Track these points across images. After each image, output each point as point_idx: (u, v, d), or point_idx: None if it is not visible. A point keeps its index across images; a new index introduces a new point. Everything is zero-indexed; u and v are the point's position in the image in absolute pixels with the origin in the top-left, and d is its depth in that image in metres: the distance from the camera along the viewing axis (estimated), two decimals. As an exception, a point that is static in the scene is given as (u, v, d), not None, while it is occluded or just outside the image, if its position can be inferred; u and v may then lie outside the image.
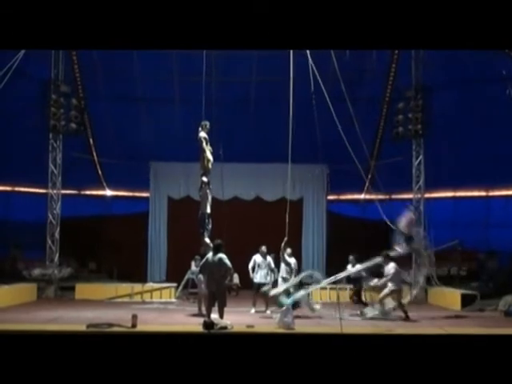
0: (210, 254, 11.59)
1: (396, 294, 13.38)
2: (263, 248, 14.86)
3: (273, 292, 13.20)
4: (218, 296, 11.50)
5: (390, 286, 13.30)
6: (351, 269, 14.97)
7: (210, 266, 11.51)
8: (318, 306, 13.20)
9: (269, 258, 14.81)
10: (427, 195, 19.68)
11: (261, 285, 14.47)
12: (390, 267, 13.48)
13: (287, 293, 12.50)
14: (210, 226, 13.74)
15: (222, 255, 11.52)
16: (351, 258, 15.73)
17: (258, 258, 14.71)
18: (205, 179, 13.76)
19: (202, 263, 11.76)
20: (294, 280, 13.17)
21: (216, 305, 11.48)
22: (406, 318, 12.90)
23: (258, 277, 14.59)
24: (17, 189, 23.29)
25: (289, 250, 13.93)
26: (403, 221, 14.24)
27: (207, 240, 13.51)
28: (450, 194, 23.47)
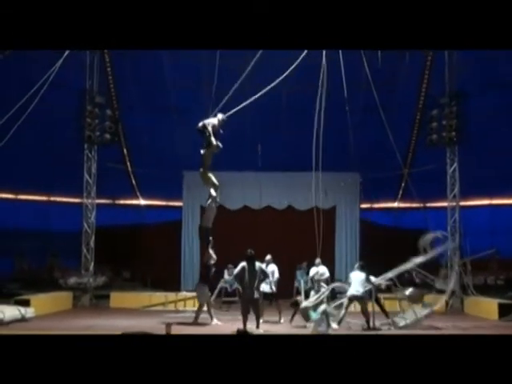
0: (244, 264, 11.63)
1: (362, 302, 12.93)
2: (268, 257, 14.59)
3: (303, 304, 13.02)
4: (254, 305, 11.62)
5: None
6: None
7: (249, 274, 11.56)
8: (335, 326, 12.06)
9: (272, 267, 14.46)
10: (463, 203, 19.37)
11: (265, 294, 13.97)
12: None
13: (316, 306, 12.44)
14: (211, 238, 13.93)
15: (260, 264, 11.88)
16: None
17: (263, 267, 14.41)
18: (213, 193, 13.71)
19: (237, 272, 11.74)
20: (323, 293, 13.08)
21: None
22: (368, 327, 12.54)
23: (263, 286, 13.94)
24: (53, 199, 23.69)
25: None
26: None
27: (211, 251, 13.82)
28: (486, 201, 23.09)
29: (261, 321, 12.26)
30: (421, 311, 13.14)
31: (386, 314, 14.03)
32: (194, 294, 18.61)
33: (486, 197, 22.82)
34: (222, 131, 13.65)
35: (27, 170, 20.39)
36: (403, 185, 22.14)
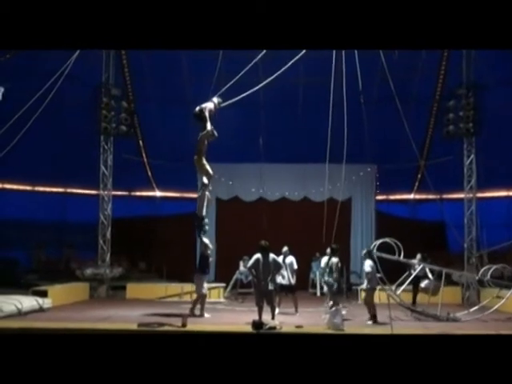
0: (259, 255, 11.59)
1: (371, 293, 12.66)
2: (284, 248, 14.45)
3: None
4: (268, 296, 11.63)
5: (365, 285, 12.70)
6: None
7: (263, 266, 11.55)
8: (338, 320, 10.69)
9: (290, 259, 14.31)
10: (479, 195, 19.23)
11: (282, 286, 13.98)
12: (367, 265, 12.68)
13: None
14: (207, 228, 13.85)
15: (274, 256, 11.77)
16: (419, 256, 14.80)
17: (280, 258, 14.08)
18: (205, 181, 13.52)
19: (251, 263, 11.68)
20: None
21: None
22: (374, 321, 12.18)
23: (280, 278, 13.85)
24: (70, 190, 23.86)
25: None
26: None
27: (206, 240, 13.73)
28: (503, 193, 22.88)
29: (276, 312, 12.28)
30: (443, 313, 13.07)
31: (414, 301, 14.06)
32: (210, 285, 18.73)
33: (503, 188, 22.62)
34: (216, 117, 13.43)
35: (44, 162, 20.56)
36: (419, 176, 22.01)
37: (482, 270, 14.67)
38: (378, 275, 13.14)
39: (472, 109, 17.97)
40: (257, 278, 11.65)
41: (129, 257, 22.24)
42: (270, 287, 11.64)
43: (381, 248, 13.49)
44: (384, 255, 13.38)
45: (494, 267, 14.31)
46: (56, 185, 23.32)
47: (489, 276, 14.04)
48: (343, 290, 14.86)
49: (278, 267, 11.80)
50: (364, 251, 13.17)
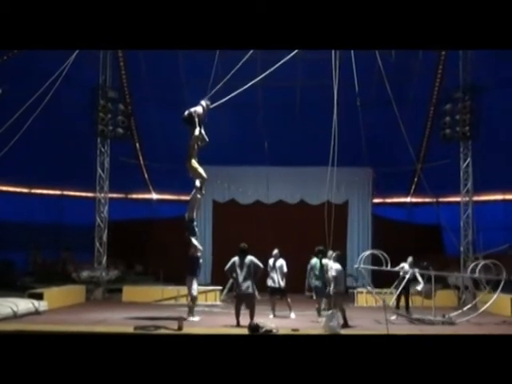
0: (235, 258, 11.62)
1: (339, 297, 12.34)
2: (275, 251, 14.23)
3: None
4: (247, 299, 11.59)
5: (332, 289, 12.23)
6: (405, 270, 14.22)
7: (240, 268, 11.52)
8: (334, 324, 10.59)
9: (280, 262, 14.04)
10: (476, 198, 19.25)
11: (273, 289, 13.92)
12: (334, 269, 12.29)
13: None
14: (197, 230, 13.93)
15: (252, 257, 11.69)
16: (410, 259, 14.48)
17: (270, 261, 13.99)
18: (197, 184, 13.50)
19: (227, 267, 11.71)
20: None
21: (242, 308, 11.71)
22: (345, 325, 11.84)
23: (270, 281, 13.91)
24: (66, 193, 23.80)
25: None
26: None
27: (195, 242, 13.63)
28: (499, 196, 22.91)
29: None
30: (437, 317, 13.05)
31: (407, 306, 14.08)
32: (207, 288, 18.74)
33: (499, 192, 22.64)
34: (206, 120, 13.34)
35: (41, 164, 20.50)
36: (416, 179, 22.04)
37: (472, 265, 14.64)
38: (369, 288, 13.17)
39: (468, 112, 18.02)
40: (235, 281, 11.64)
41: (125, 259, 22.19)
42: (250, 290, 11.54)
43: (373, 256, 13.51)
44: (371, 267, 13.41)
45: (483, 262, 14.27)
46: (53, 187, 23.25)
47: (477, 272, 14.00)
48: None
49: (256, 268, 11.66)
50: (334, 254, 13.05)
